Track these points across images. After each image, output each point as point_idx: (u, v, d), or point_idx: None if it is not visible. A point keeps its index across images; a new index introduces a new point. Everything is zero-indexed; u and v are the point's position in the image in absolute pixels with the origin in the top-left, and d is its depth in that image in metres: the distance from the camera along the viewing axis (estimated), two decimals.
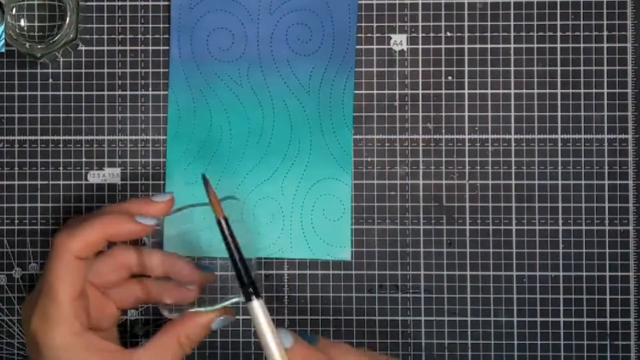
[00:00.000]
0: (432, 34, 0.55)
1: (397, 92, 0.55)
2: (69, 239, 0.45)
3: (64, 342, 0.42)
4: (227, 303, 0.45)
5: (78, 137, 0.56)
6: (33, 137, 0.56)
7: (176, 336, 0.44)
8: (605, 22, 0.55)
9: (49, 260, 0.45)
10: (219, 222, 0.43)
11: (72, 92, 0.56)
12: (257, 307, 0.43)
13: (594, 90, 0.55)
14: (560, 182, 0.55)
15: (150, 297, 0.48)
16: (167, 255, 0.48)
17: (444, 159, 0.55)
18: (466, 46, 0.55)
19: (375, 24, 0.56)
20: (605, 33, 0.55)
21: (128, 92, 0.56)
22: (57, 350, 0.42)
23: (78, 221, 0.45)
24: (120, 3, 0.56)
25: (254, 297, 0.43)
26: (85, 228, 0.45)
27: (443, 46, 0.55)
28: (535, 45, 0.55)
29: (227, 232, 0.43)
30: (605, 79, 0.55)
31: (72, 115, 0.56)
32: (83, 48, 0.56)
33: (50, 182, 0.55)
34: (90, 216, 0.45)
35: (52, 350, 0.42)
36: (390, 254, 0.55)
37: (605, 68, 0.55)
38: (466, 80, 0.55)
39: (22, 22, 0.55)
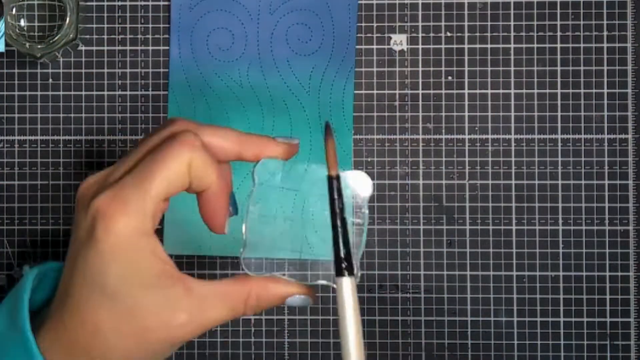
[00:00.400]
0: (432, 34, 0.55)
1: (397, 92, 0.55)
2: (200, 127, 0.39)
3: (132, 236, 0.36)
4: (314, 283, 0.41)
5: (78, 137, 0.56)
6: (33, 137, 0.56)
7: (246, 292, 0.39)
8: (605, 22, 0.55)
9: (156, 138, 0.38)
10: (330, 180, 0.39)
11: (72, 92, 0.56)
12: (347, 284, 0.37)
13: (594, 90, 0.55)
14: (560, 182, 0.55)
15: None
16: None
17: (444, 159, 0.55)
18: (466, 46, 0.55)
19: (375, 24, 0.56)
20: (605, 33, 0.55)
21: (128, 92, 0.56)
22: (120, 242, 0.36)
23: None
24: (120, 3, 0.56)
25: (346, 273, 0.37)
26: (220, 130, 0.40)
27: (443, 46, 0.55)
28: (535, 45, 0.55)
29: (336, 193, 0.38)
30: (605, 79, 0.55)
31: (72, 115, 0.56)
32: (83, 48, 0.56)
33: (50, 182, 0.55)
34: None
35: (115, 239, 0.36)
36: (390, 254, 0.55)
37: (605, 68, 0.55)
38: (466, 80, 0.55)
39: (22, 22, 0.55)
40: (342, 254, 0.38)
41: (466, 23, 0.55)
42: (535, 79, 0.55)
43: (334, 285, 0.38)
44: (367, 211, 0.41)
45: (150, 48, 0.56)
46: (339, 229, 0.38)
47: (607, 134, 0.55)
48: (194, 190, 0.39)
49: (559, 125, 0.55)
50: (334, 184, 0.39)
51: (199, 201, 0.40)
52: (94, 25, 0.56)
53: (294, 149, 0.42)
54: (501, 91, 0.55)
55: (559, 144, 0.55)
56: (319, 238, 0.43)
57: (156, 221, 0.37)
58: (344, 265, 0.37)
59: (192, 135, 0.38)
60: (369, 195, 0.41)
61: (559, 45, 0.55)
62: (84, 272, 0.36)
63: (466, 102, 0.55)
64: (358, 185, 0.41)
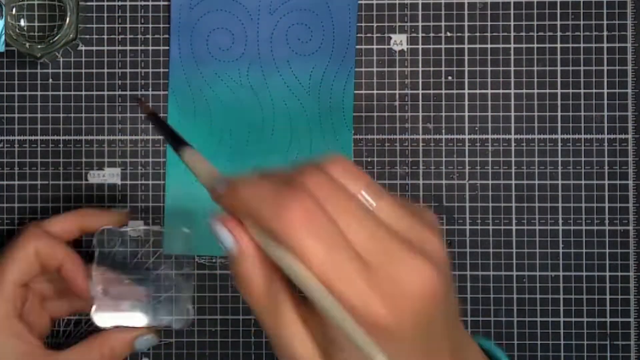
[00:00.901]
0: (432, 34, 0.55)
1: (397, 92, 0.55)
2: (43, 222, 0.47)
3: None
4: (155, 324, 0.48)
5: (78, 137, 0.56)
6: (33, 137, 0.56)
7: (99, 347, 0.46)
8: (605, 22, 0.55)
9: (14, 239, 0.46)
10: (150, 117, 0.43)
11: (72, 92, 0.56)
12: (190, 154, 0.35)
13: (594, 90, 0.55)
14: (560, 182, 0.55)
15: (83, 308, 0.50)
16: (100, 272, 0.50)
17: (444, 159, 0.55)
18: (466, 46, 0.55)
19: (375, 24, 0.56)
20: (605, 33, 0.55)
21: (128, 92, 0.56)
22: None
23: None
24: (120, 3, 0.56)
25: (184, 146, 0.35)
26: (61, 216, 0.48)
27: (443, 46, 0.55)
28: (535, 45, 0.55)
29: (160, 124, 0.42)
30: (605, 79, 0.55)
31: (72, 115, 0.56)
32: (83, 48, 0.56)
33: (50, 182, 0.55)
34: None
35: None
36: None
37: (605, 68, 0.55)
38: (466, 80, 0.55)
39: (22, 22, 0.55)
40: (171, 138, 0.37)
41: (466, 23, 0.55)
42: (535, 79, 0.55)
43: (174, 327, 0.48)
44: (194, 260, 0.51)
45: (150, 48, 0.56)
46: (165, 129, 0.39)
47: (607, 134, 0.55)
48: (52, 270, 0.46)
49: (559, 125, 0.55)
50: (158, 123, 0.42)
51: (61, 277, 0.47)
52: (94, 25, 0.56)
53: (124, 217, 0.50)
54: (501, 91, 0.55)
55: (559, 144, 0.55)
56: (160, 293, 0.50)
57: (18, 305, 0.44)
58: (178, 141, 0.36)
59: (34, 227, 0.46)
60: (191, 246, 0.51)
61: (559, 45, 0.55)
62: None
63: (466, 102, 0.55)
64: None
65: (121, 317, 0.49)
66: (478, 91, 0.55)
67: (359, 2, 0.55)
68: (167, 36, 0.56)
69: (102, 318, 0.48)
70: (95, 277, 0.49)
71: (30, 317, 0.47)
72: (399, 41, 0.55)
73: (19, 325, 0.44)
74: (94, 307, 0.48)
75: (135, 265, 0.50)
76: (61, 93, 0.56)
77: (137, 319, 0.49)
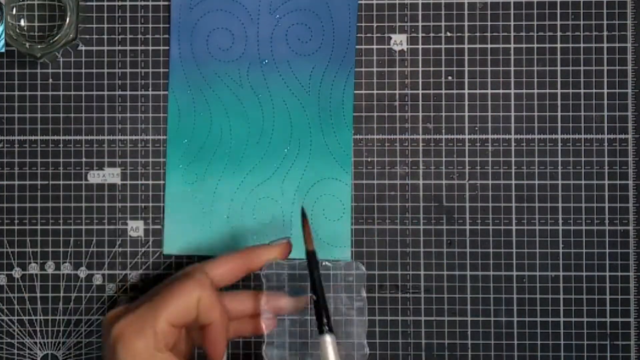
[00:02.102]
0: (432, 34, 0.55)
1: (397, 92, 0.55)
2: (202, 264, 0.48)
3: (147, 352, 0.43)
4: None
5: (78, 137, 0.56)
6: (33, 137, 0.56)
7: None
8: (605, 22, 0.55)
9: (180, 276, 0.47)
10: (309, 254, 0.47)
11: (72, 92, 0.56)
12: (329, 341, 0.45)
13: (594, 90, 0.55)
14: (560, 182, 0.55)
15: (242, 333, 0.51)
16: (271, 293, 0.50)
17: (444, 159, 0.55)
18: (466, 46, 0.55)
19: (375, 24, 0.56)
20: (605, 33, 0.55)
21: (128, 92, 0.56)
22: (136, 354, 0.43)
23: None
24: (120, 3, 0.56)
25: (327, 331, 0.45)
26: (224, 258, 0.48)
27: (443, 46, 0.55)
28: (535, 45, 0.55)
29: (314, 266, 0.47)
30: (605, 79, 0.55)
31: (72, 115, 0.56)
32: (83, 48, 0.56)
33: (50, 182, 0.55)
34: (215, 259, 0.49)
35: (133, 357, 0.43)
36: (390, 254, 0.55)
37: (605, 68, 0.55)
38: (466, 80, 0.55)
39: (22, 22, 0.55)
40: (323, 317, 0.46)
41: (466, 23, 0.55)
42: (535, 79, 0.55)
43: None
44: (364, 294, 0.49)
45: (150, 48, 0.56)
46: (320, 297, 0.46)
47: (607, 134, 0.55)
48: (200, 323, 0.46)
49: (559, 125, 0.55)
50: (312, 258, 0.47)
51: (202, 334, 0.47)
52: (94, 25, 0.56)
53: (288, 248, 0.50)
54: (501, 91, 0.55)
55: (559, 144, 0.55)
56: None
57: (169, 341, 0.45)
58: (325, 325, 0.46)
59: (204, 275, 0.46)
60: (364, 279, 0.49)
61: (559, 45, 0.55)
62: None
63: (466, 102, 0.55)
64: (353, 272, 0.50)
65: (292, 354, 0.49)
66: (478, 91, 0.55)
67: (359, 2, 0.55)
68: (167, 36, 0.56)
69: (271, 353, 0.49)
70: (265, 311, 0.49)
71: (176, 346, 0.47)
72: (399, 41, 0.55)
73: (168, 355, 0.44)
74: (265, 343, 0.49)
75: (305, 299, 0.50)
76: (61, 93, 0.56)
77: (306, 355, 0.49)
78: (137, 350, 0.43)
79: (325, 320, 0.46)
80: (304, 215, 0.48)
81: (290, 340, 0.50)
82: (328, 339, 0.45)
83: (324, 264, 0.49)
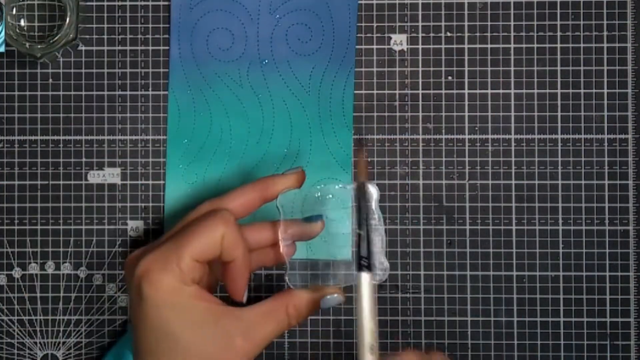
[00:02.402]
0: (432, 34, 0.55)
1: (397, 92, 0.55)
2: (219, 199, 0.47)
3: (173, 286, 0.43)
4: (348, 284, 0.48)
5: (78, 137, 0.56)
6: (33, 137, 0.56)
7: (285, 305, 0.45)
8: (605, 22, 0.55)
9: (199, 214, 0.46)
10: (360, 186, 0.46)
11: (72, 92, 0.56)
12: (365, 280, 0.44)
13: (594, 90, 0.55)
14: (560, 182, 0.55)
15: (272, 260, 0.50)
16: (288, 221, 0.49)
17: (444, 159, 0.55)
18: (466, 46, 0.55)
19: (375, 24, 0.56)
20: (605, 33, 0.55)
21: (128, 92, 0.56)
22: (163, 292, 0.43)
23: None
24: (120, 3, 0.56)
25: (365, 269, 0.44)
26: (239, 190, 0.47)
27: (443, 46, 0.55)
28: (535, 45, 0.55)
29: (361, 198, 0.46)
30: (605, 79, 0.55)
31: (72, 115, 0.56)
32: (83, 48, 0.56)
33: (50, 182, 0.55)
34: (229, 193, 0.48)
35: (159, 291, 0.43)
36: (390, 254, 0.55)
37: (605, 68, 0.55)
38: (466, 80, 0.55)
39: (22, 22, 0.55)
40: (362, 253, 0.44)
41: (466, 23, 0.55)
42: (535, 79, 0.55)
43: (374, 280, 0.45)
44: (379, 211, 0.48)
45: (150, 48, 0.56)
46: (364, 232, 0.45)
47: (607, 134, 0.55)
48: (223, 260, 0.45)
49: (559, 125, 0.55)
50: (363, 189, 0.46)
51: (223, 270, 0.46)
52: (94, 25, 0.56)
53: (302, 176, 0.49)
54: (501, 91, 0.55)
55: (559, 144, 0.55)
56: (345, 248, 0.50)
57: (195, 275, 0.44)
58: (364, 263, 0.44)
59: (227, 213, 0.45)
60: (376, 198, 0.48)
61: (559, 45, 0.55)
62: (144, 325, 0.43)
63: (466, 102, 0.55)
64: (365, 193, 0.48)
65: (313, 276, 0.49)
66: (478, 91, 0.55)
67: (359, 2, 0.55)
68: (167, 36, 0.56)
69: (294, 278, 0.49)
70: (283, 239, 0.48)
71: (201, 281, 0.46)
72: (399, 41, 0.55)
73: (196, 289, 0.43)
74: (287, 270, 0.48)
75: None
76: (61, 93, 0.56)
77: (331, 276, 0.49)
78: (163, 285, 0.43)
79: (364, 260, 0.44)
80: (360, 144, 0.48)
81: (312, 262, 0.50)
82: (365, 277, 0.44)
83: (338, 187, 0.50)
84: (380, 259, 0.47)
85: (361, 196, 0.46)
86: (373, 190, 0.48)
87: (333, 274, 0.49)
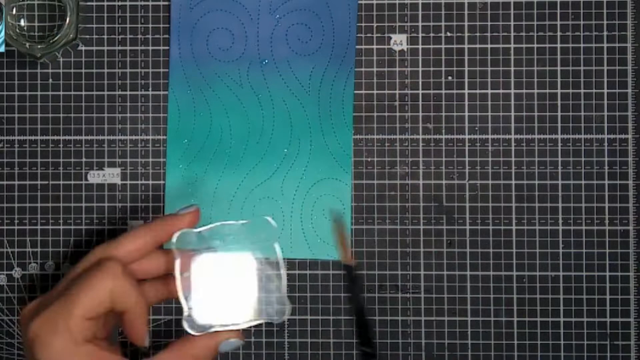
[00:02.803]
0: (432, 34, 0.55)
1: (397, 92, 0.55)
2: (110, 246, 0.45)
3: (65, 348, 0.42)
4: (242, 326, 0.45)
5: (78, 137, 0.56)
6: (33, 137, 0.56)
7: (183, 355, 0.44)
8: (605, 22, 0.55)
9: (88, 266, 0.45)
10: (348, 269, 0.44)
11: (72, 92, 0.56)
12: None
13: (594, 90, 0.55)
14: (560, 182, 0.55)
15: (170, 294, 0.48)
16: (183, 252, 0.47)
17: (444, 159, 0.55)
18: (466, 46, 0.55)
19: (375, 24, 0.56)
20: (605, 33, 0.55)
21: (128, 92, 0.56)
22: (55, 355, 0.42)
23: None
24: (120, 3, 0.56)
25: (370, 356, 0.44)
26: (131, 235, 0.46)
27: (443, 46, 0.55)
28: (535, 45, 0.55)
29: (353, 283, 0.44)
30: (605, 79, 0.55)
31: (72, 115, 0.56)
32: (83, 48, 0.56)
33: (50, 182, 0.55)
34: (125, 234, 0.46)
35: (51, 355, 0.42)
36: (390, 254, 0.55)
37: (605, 68, 0.55)
38: (466, 80, 0.55)
39: (22, 22, 0.55)
40: (362, 340, 0.44)
41: (466, 23, 0.55)
42: (535, 79, 0.55)
43: (275, 320, 0.45)
44: (278, 248, 0.46)
45: (150, 48, 0.56)
46: (361, 318, 0.44)
47: (607, 134, 0.55)
48: (115, 310, 0.44)
49: (559, 125, 0.55)
50: (351, 274, 0.45)
51: (120, 318, 0.45)
52: (94, 25, 0.56)
53: (196, 215, 0.47)
54: (501, 91, 0.55)
55: (559, 144, 0.55)
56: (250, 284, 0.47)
57: (88, 333, 0.43)
58: (368, 351, 0.44)
59: (114, 263, 0.44)
60: (277, 234, 0.46)
61: (559, 45, 0.55)
62: None
63: (466, 102, 0.55)
64: (263, 229, 0.46)
65: (215, 318, 0.46)
66: (478, 91, 0.55)
67: (359, 2, 0.55)
68: (167, 36, 0.56)
69: (191, 323, 0.45)
70: (182, 284, 0.46)
71: (96, 335, 0.45)
72: (399, 41, 0.55)
73: (90, 348, 0.43)
74: (184, 314, 0.45)
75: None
76: (61, 93, 0.56)
77: (234, 316, 0.46)
78: (55, 348, 0.42)
79: (368, 346, 0.44)
80: (337, 221, 0.46)
81: (214, 304, 0.46)
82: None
83: (236, 223, 0.46)
84: (282, 296, 0.46)
85: (352, 282, 0.45)
86: (273, 225, 0.46)
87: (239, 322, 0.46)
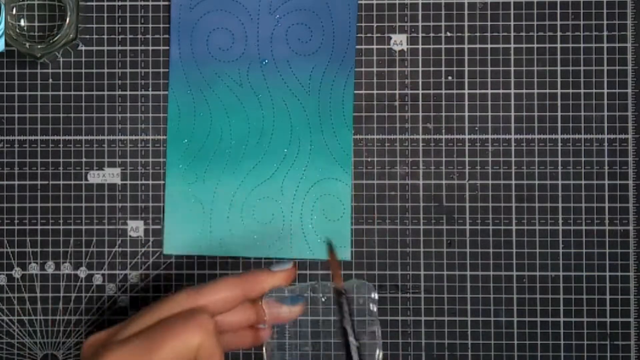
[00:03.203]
0: (432, 34, 0.55)
1: (397, 92, 0.55)
2: (200, 293, 0.43)
3: None
4: None
5: (78, 137, 0.56)
6: (33, 137, 0.56)
7: None
8: (605, 22, 0.55)
9: (168, 310, 0.42)
10: (338, 294, 0.43)
11: (72, 92, 0.56)
12: None
13: (594, 90, 0.55)
14: (560, 182, 0.55)
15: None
16: (271, 303, 0.46)
17: (444, 159, 0.55)
18: (466, 46, 0.55)
19: (375, 24, 0.56)
20: (605, 33, 0.55)
21: (128, 92, 0.56)
22: None
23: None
24: (120, 3, 0.56)
25: None
26: (220, 285, 0.43)
27: (443, 46, 0.55)
28: (535, 45, 0.55)
29: (346, 308, 0.43)
30: (605, 79, 0.55)
31: (72, 115, 0.56)
32: (83, 48, 0.56)
33: (50, 182, 0.55)
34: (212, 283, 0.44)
35: None
36: (390, 254, 0.55)
37: (605, 68, 0.55)
38: (466, 80, 0.55)
39: (22, 22, 0.55)
40: None
41: (466, 23, 0.55)
42: (535, 79, 0.55)
43: None
44: (376, 314, 0.46)
45: (150, 48, 0.56)
46: (351, 344, 0.42)
47: (607, 134, 0.55)
48: None
49: (559, 125, 0.55)
50: (341, 299, 0.43)
51: None
52: (94, 25, 0.56)
53: (292, 273, 0.45)
54: (501, 91, 0.55)
55: (559, 144, 0.55)
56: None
57: None
58: None
59: (208, 319, 0.41)
60: (375, 302, 0.46)
61: (559, 45, 0.55)
62: None
63: (466, 102, 0.55)
64: (362, 291, 0.46)
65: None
66: (478, 91, 0.55)
67: (359, 2, 0.55)
68: (167, 36, 0.56)
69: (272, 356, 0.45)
70: (266, 346, 0.46)
71: None
72: (399, 41, 0.55)
73: None
74: (264, 349, 0.45)
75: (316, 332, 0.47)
76: (61, 93, 0.56)
77: None
78: None
79: None
80: (330, 249, 0.45)
81: (290, 341, 0.47)
82: None
83: (329, 285, 0.45)
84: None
85: (342, 308, 0.43)
86: (373, 292, 0.46)
87: (312, 353, 0.46)
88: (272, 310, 0.45)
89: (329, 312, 0.47)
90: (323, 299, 0.46)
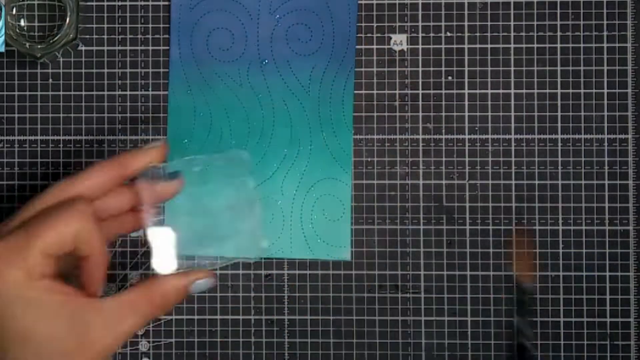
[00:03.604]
0: (432, 34, 0.55)
1: (397, 92, 0.55)
2: (74, 181, 0.42)
3: (20, 281, 0.39)
4: (213, 267, 0.43)
5: (78, 137, 0.56)
6: (33, 137, 0.56)
7: (150, 294, 0.42)
8: (605, 22, 0.55)
9: (43, 202, 0.42)
10: (522, 292, 0.43)
11: (72, 92, 0.56)
12: None
13: (594, 90, 0.55)
14: (560, 182, 0.55)
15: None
16: (147, 184, 0.45)
17: (444, 159, 0.55)
18: (466, 46, 0.55)
19: (375, 24, 0.56)
20: (605, 33, 0.55)
21: (128, 92, 0.56)
22: (10, 287, 0.39)
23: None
24: (120, 3, 0.56)
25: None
26: (94, 169, 0.43)
27: (443, 46, 0.55)
28: (535, 45, 0.55)
29: (527, 308, 0.43)
30: (605, 79, 0.55)
31: (72, 115, 0.56)
32: (83, 48, 0.56)
33: (50, 183, 0.55)
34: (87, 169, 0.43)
35: (6, 286, 0.39)
36: (390, 254, 0.55)
37: (605, 68, 0.55)
38: (466, 80, 0.55)
39: (22, 22, 0.55)
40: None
41: (466, 23, 0.55)
42: (535, 79, 0.55)
43: (251, 258, 0.42)
44: (252, 183, 0.44)
45: (150, 48, 0.56)
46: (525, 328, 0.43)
47: (607, 134, 0.55)
48: (77, 255, 0.41)
49: (559, 125, 0.55)
50: (525, 298, 0.43)
51: (79, 262, 0.42)
52: (94, 25, 0.56)
53: (163, 150, 0.45)
54: (501, 91, 0.55)
55: (559, 144, 0.55)
56: (226, 230, 0.45)
57: (45, 269, 0.40)
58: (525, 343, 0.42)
59: (85, 205, 0.41)
60: (248, 166, 0.44)
61: (559, 45, 0.55)
62: None
63: (466, 102, 0.55)
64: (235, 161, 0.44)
65: (185, 256, 0.43)
66: (478, 91, 0.55)
67: (359, 2, 0.55)
68: (167, 36, 0.56)
69: (161, 263, 0.43)
70: (149, 223, 0.44)
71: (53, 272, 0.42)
72: (399, 41, 0.55)
73: (47, 282, 0.40)
74: (153, 252, 0.43)
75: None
76: (61, 93, 0.56)
77: (206, 256, 0.44)
78: (10, 280, 0.39)
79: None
80: (518, 237, 0.44)
81: (184, 242, 0.44)
82: None
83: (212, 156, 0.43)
84: (256, 234, 0.43)
85: (524, 303, 0.43)
86: (246, 158, 0.44)
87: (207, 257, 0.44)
88: (146, 189, 0.44)
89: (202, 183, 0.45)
90: (196, 170, 0.44)
